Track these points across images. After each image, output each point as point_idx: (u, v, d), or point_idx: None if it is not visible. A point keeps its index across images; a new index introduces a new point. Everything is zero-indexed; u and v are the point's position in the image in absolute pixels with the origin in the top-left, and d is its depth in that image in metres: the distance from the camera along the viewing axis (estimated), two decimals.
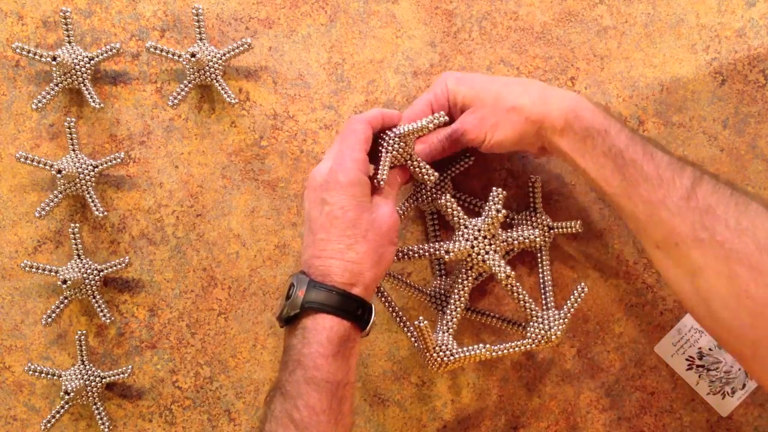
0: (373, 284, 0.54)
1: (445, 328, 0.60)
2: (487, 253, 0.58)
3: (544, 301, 0.64)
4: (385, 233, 0.54)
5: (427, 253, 0.60)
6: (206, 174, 0.68)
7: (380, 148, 0.57)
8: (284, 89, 0.67)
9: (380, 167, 0.56)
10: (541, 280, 0.65)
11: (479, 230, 0.58)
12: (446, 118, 0.58)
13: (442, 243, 0.59)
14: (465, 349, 0.59)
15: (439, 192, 0.64)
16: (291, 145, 0.68)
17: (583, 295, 0.60)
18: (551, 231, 0.64)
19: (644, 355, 0.68)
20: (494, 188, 0.58)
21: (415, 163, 0.58)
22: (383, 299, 0.62)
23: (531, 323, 0.61)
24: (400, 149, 0.57)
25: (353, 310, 0.52)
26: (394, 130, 0.57)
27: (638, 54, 0.67)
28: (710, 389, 0.68)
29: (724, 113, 0.67)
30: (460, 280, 0.60)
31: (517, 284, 0.61)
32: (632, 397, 0.69)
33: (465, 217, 0.59)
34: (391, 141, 0.57)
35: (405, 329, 0.61)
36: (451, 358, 0.59)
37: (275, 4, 0.67)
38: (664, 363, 0.68)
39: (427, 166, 0.59)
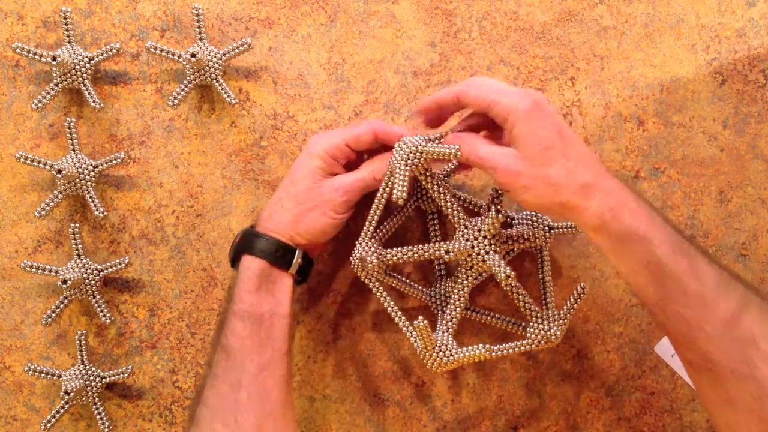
0: (296, 237, 0.59)
1: (444, 327, 0.60)
2: (487, 253, 0.58)
3: (543, 301, 0.64)
4: (320, 203, 0.59)
5: (426, 253, 0.60)
6: (206, 174, 0.68)
7: (394, 160, 0.57)
8: (284, 89, 0.67)
9: (397, 182, 0.56)
10: (541, 281, 0.65)
11: (479, 230, 0.58)
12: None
13: (442, 243, 0.59)
14: (465, 349, 0.59)
15: (440, 191, 0.64)
16: (291, 145, 0.68)
17: (583, 295, 0.60)
18: (551, 231, 0.64)
19: (644, 355, 0.68)
20: (494, 188, 0.58)
21: (429, 180, 0.58)
22: (383, 299, 0.62)
23: (531, 323, 0.61)
24: (416, 163, 0.57)
25: (272, 251, 0.58)
26: (411, 140, 0.57)
27: (638, 54, 0.67)
28: None
29: (724, 113, 0.67)
30: (460, 280, 0.60)
31: (518, 284, 0.61)
32: (632, 397, 0.69)
33: (465, 216, 0.59)
34: (406, 153, 0.57)
35: (405, 329, 0.61)
36: (451, 358, 0.59)
37: (275, 4, 0.67)
38: (664, 363, 0.68)
39: (441, 188, 0.58)
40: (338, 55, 0.67)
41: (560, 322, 0.61)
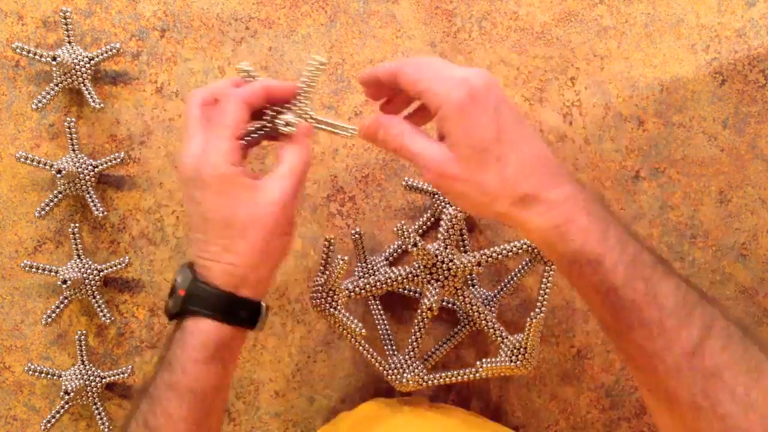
0: (263, 282, 0.49)
1: (411, 353, 0.62)
2: (428, 282, 0.59)
3: (538, 306, 0.64)
4: (272, 226, 0.47)
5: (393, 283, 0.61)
6: None
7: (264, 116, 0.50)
8: None
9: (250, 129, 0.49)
10: (539, 303, 0.64)
11: (436, 255, 0.59)
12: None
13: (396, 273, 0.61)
14: (433, 375, 0.62)
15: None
16: None
17: (534, 325, 0.59)
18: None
19: None
20: (397, 226, 0.58)
21: (323, 122, 0.50)
22: (375, 314, 0.64)
23: (501, 349, 0.61)
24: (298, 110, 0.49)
25: (236, 312, 0.47)
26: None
27: (638, 54, 0.67)
28: None
29: (724, 113, 0.67)
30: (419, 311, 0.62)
31: (485, 313, 0.61)
32: (632, 397, 0.69)
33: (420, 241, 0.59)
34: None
35: (364, 351, 0.63)
36: (420, 383, 0.62)
37: (275, 4, 0.67)
38: None
39: (342, 123, 0.50)
40: (338, 55, 0.67)
41: (522, 351, 0.60)
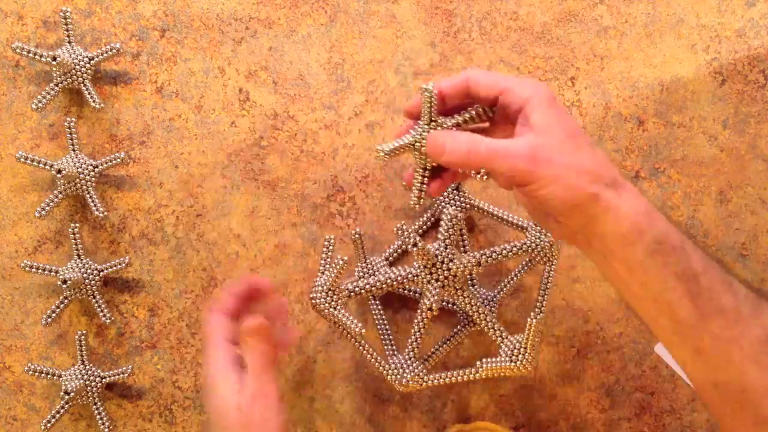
0: None
1: (411, 353, 0.62)
2: (428, 282, 0.59)
3: (538, 306, 0.64)
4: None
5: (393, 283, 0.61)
6: (206, 174, 0.68)
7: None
8: (284, 89, 0.67)
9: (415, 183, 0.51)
10: (539, 301, 0.64)
11: (436, 256, 0.59)
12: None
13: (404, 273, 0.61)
14: (433, 376, 0.62)
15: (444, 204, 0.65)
16: (291, 145, 0.68)
17: (534, 327, 0.58)
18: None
19: (644, 355, 0.68)
20: (397, 227, 0.58)
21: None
22: (375, 314, 0.64)
23: (501, 350, 0.60)
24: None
25: None
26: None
27: (638, 54, 0.67)
28: None
29: (724, 113, 0.67)
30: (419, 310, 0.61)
31: (485, 311, 0.61)
32: (632, 397, 0.69)
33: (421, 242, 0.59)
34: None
35: (361, 349, 0.63)
36: (420, 383, 0.61)
37: (275, 4, 0.67)
38: (664, 363, 0.68)
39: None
40: (338, 55, 0.67)
41: (522, 351, 0.59)
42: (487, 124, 0.50)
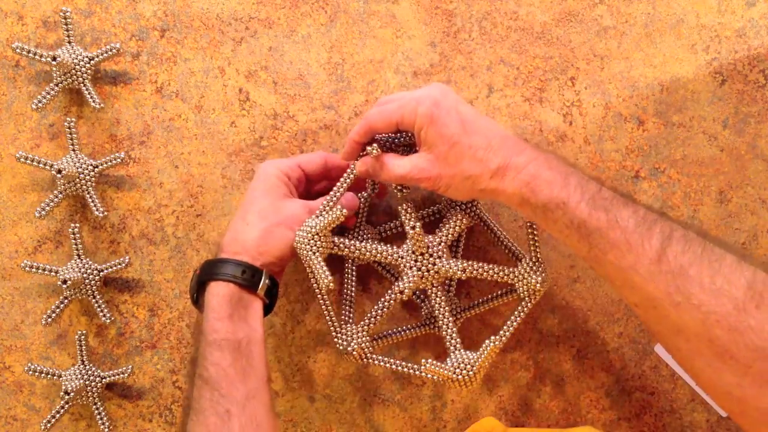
0: (263, 257, 0.58)
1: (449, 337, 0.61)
2: (410, 268, 0.59)
3: (514, 257, 0.63)
4: (286, 217, 0.59)
5: (377, 254, 0.61)
6: (206, 174, 0.68)
7: (302, 252, 0.59)
8: (284, 89, 0.67)
9: (317, 272, 0.59)
10: (503, 245, 0.64)
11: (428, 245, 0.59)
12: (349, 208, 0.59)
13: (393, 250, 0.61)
14: (479, 352, 0.59)
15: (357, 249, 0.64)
16: (291, 145, 0.68)
17: (535, 230, 0.59)
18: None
19: (644, 355, 0.68)
20: (401, 206, 0.58)
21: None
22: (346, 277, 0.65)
23: (516, 280, 0.60)
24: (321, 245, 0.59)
25: (238, 273, 0.57)
26: (306, 227, 0.59)
27: (638, 54, 0.67)
28: None
29: (724, 113, 0.67)
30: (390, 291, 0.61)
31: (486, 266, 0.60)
32: (632, 397, 0.69)
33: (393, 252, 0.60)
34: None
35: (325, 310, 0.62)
36: (473, 370, 0.59)
37: (275, 4, 0.67)
38: (664, 363, 0.68)
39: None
40: (338, 55, 0.67)
41: (470, 368, 0.59)
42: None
